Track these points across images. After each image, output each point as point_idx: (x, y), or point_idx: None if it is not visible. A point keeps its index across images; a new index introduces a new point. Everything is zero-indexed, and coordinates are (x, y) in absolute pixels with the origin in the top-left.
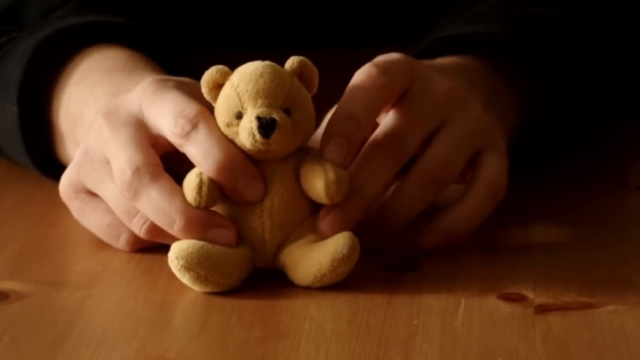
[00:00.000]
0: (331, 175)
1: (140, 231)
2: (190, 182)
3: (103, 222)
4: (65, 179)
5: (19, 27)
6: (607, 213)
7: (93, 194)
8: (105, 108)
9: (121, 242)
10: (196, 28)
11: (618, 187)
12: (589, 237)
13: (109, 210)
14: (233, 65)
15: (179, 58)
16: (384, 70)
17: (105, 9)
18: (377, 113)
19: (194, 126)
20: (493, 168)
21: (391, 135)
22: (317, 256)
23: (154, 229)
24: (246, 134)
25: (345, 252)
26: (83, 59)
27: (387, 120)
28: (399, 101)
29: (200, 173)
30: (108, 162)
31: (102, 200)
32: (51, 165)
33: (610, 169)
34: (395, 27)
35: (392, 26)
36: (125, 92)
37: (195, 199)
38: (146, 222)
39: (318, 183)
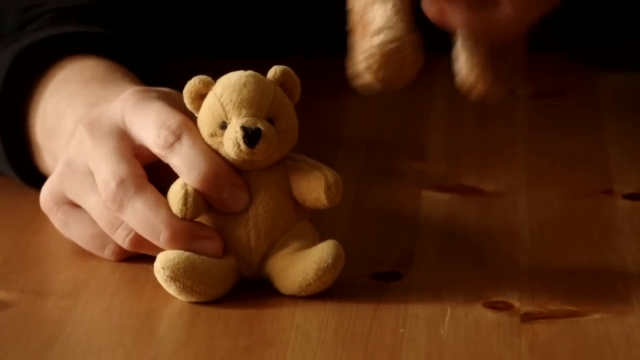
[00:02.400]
0: (331, 177)
1: (124, 242)
2: (176, 193)
3: (87, 233)
4: (46, 190)
5: None
6: (592, 222)
7: (75, 205)
8: (86, 119)
9: (107, 253)
10: (178, 35)
11: (603, 195)
12: (574, 245)
13: (92, 221)
14: (214, 74)
15: (158, 68)
16: None
17: (85, 18)
18: None
19: (178, 137)
20: None
21: None
22: (302, 265)
23: (137, 240)
24: (231, 143)
25: (330, 261)
26: (59, 70)
27: None
28: None
29: (185, 184)
30: (90, 173)
31: (85, 212)
32: (34, 175)
33: (595, 178)
34: None
35: None
36: (103, 103)
37: (181, 210)
38: (130, 233)
39: (317, 186)
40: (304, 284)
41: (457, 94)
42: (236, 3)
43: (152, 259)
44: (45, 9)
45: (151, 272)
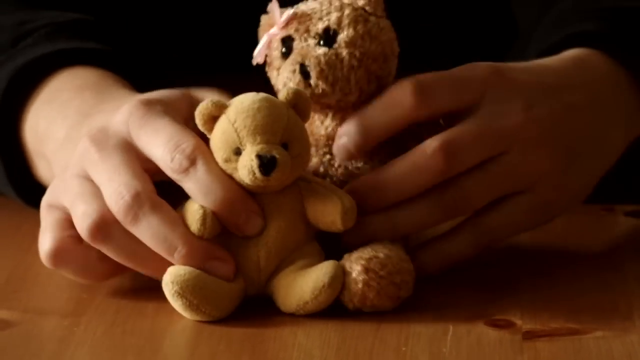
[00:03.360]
0: (347, 202)
1: (84, 227)
2: (194, 212)
3: (65, 234)
4: (45, 196)
5: None
6: (594, 239)
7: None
8: (90, 131)
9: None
10: (172, 52)
11: (605, 213)
12: (575, 263)
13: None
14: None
15: (152, 80)
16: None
17: (79, 34)
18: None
19: (192, 162)
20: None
21: (445, 184)
22: (300, 284)
23: (97, 228)
24: (246, 171)
25: (326, 280)
26: (53, 79)
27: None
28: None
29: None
30: (88, 180)
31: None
32: (35, 194)
33: (596, 196)
34: None
35: None
36: (97, 112)
37: (199, 230)
38: (90, 217)
39: (334, 210)
40: (301, 303)
41: None
42: (231, 22)
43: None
44: (40, 24)
45: (154, 290)
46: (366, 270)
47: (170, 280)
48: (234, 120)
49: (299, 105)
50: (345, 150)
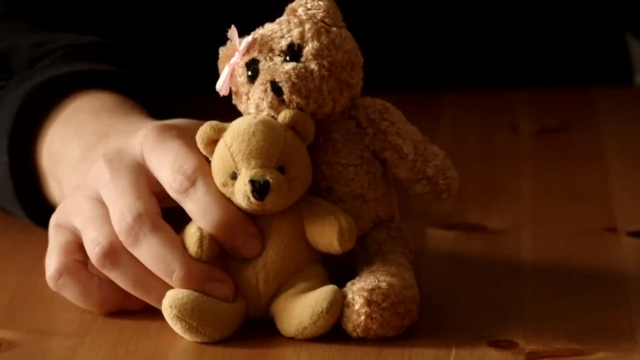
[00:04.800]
0: (344, 223)
1: (94, 253)
2: (191, 235)
3: (70, 258)
4: (55, 213)
5: (7, 75)
6: (596, 259)
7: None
8: (107, 152)
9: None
10: (186, 73)
11: (607, 233)
12: (578, 283)
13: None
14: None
15: (167, 105)
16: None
17: (96, 56)
18: None
19: (192, 183)
20: None
21: None
22: (299, 308)
23: (107, 253)
24: (241, 196)
25: (324, 306)
26: (71, 101)
27: None
28: None
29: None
30: (100, 202)
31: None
32: (42, 214)
33: (599, 215)
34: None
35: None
36: (114, 133)
37: (197, 252)
38: (100, 244)
39: (331, 232)
40: (300, 328)
41: (461, 130)
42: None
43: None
44: (57, 45)
45: (157, 310)
46: (369, 303)
47: (169, 304)
48: (230, 144)
49: (298, 127)
50: None
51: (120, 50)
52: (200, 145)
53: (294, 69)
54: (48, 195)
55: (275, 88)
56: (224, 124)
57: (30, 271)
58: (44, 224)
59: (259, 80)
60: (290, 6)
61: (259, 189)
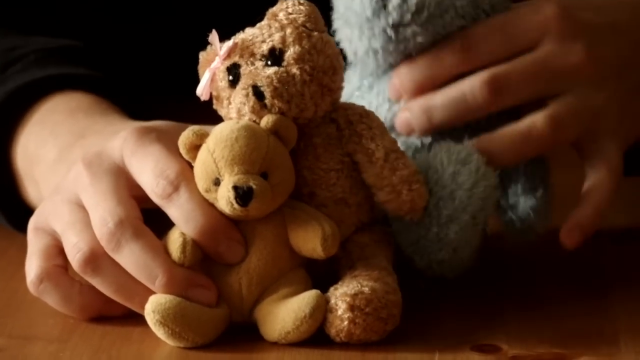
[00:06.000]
0: (328, 228)
1: (75, 259)
2: (174, 240)
3: (50, 263)
4: (33, 216)
5: None
6: (580, 265)
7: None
8: (86, 154)
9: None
10: (162, 77)
11: (592, 239)
12: (562, 288)
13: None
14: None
15: (146, 107)
16: None
17: (69, 59)
18: None
19: (175, 188)
20: (612, 154)
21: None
22: (282, 313)
23: (88, 260)
24: (224, 202)
25: (307, 311)
26: (45, 102)
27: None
28: None
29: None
30: (79, 205)
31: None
32: (20, 217)
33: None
34: None
35: None
36: (90, 134)
37: (179, 258)
38: (81, 250)
39: (314, 237)
40: (283, 333)
41: None
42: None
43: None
44: (29, 49)
45: (139, 316)
46: (352, 308)
47: (152, 309)
48: (213, 150)
49: (281, 132)
50: (406, 124)
51: (93, 53)
52: (182, 150)
53: (275, 73)
54: (26, 198)
55: (257, 92)
56: (206, 129)
57: (12, 277)
58: (22, 228)
59: (241, 84)
60: (271, 10)
61: (242, 195)
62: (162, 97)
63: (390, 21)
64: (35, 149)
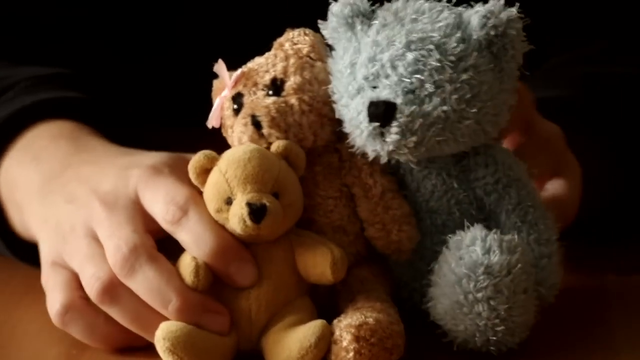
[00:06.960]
0: (337, 253)
1: (93, 289)
2: (187, 265)
3: (71, 296)
4: (45, 253)
5: None
6: (581, 295)
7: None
8: (99, 194)
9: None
10: (153, 106)
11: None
12: (563, 319)
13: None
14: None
15: (134, 132)
16: None
17: (59, 85)
18: None
19: (185, 212)
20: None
21: None
22: (287, 342)
23: (105, 290)
24: (237, 219)
25: (312, 341)
26: (29, 130)
27: None
28: None
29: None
30: (95, 239)
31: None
32: (25, 248)
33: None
34: None
35: None
36: (79, 164)
37: (193, 282)
38: (99, 280)
39: (323, 261)
40: None
41: None
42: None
43: None
44: (21, 77)
45: (143, 343)
46: (357, 339)
47: (162, 336)
48: (225, 171)
49: (291, 158)
50: None
51: (85, 80)
52: (192, 175)
53: (273, 103)
54: (8, 221)
55: (255, 122)
56: (217, 154)
57: (16, 306)
58: (27, 260)
59: (241, 114)
60: (278, 40)
61: (255, 211)
62: (156, 126)
63: (386, 149)
64: (17, 173)
